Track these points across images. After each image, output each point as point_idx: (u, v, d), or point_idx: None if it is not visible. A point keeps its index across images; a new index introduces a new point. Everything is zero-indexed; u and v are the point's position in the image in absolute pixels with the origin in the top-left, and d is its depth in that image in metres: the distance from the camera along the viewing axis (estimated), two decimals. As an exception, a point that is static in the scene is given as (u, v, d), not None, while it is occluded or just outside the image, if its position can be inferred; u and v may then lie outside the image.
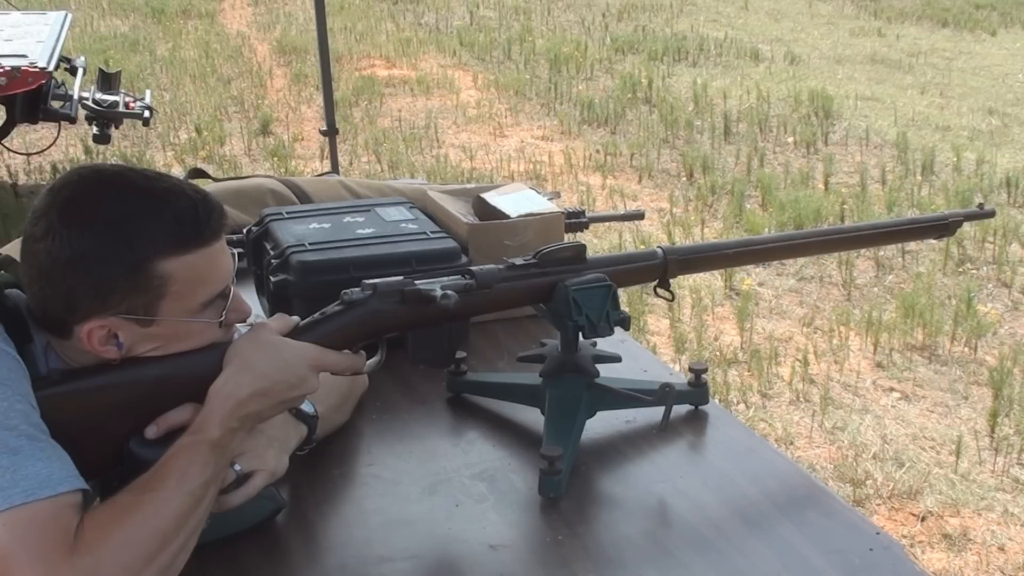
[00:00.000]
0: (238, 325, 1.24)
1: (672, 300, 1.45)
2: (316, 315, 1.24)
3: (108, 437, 1.12)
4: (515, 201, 1.91)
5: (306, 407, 1.29)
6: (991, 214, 1.72)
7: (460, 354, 1.56)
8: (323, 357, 1.19)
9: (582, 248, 1.38)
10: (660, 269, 1.44)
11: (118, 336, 1.12)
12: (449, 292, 1.26)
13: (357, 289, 1.26)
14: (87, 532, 0.98)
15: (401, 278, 1.27)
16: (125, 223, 1.10)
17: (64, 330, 1.12)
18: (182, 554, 1.04)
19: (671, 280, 1.45)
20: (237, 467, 1.17)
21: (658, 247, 1.45)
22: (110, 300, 1.10)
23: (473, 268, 1.32)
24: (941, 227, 1.63)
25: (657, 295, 1.46)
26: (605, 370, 1.43)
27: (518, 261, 1.35)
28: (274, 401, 1.15)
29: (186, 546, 1.05)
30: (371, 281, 1.26)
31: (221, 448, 1.10)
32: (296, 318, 1.24)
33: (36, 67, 4.32)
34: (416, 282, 1.27)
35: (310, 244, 1.70)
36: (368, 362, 1.28)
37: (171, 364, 1.15)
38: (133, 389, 1.14)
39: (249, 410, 1.12)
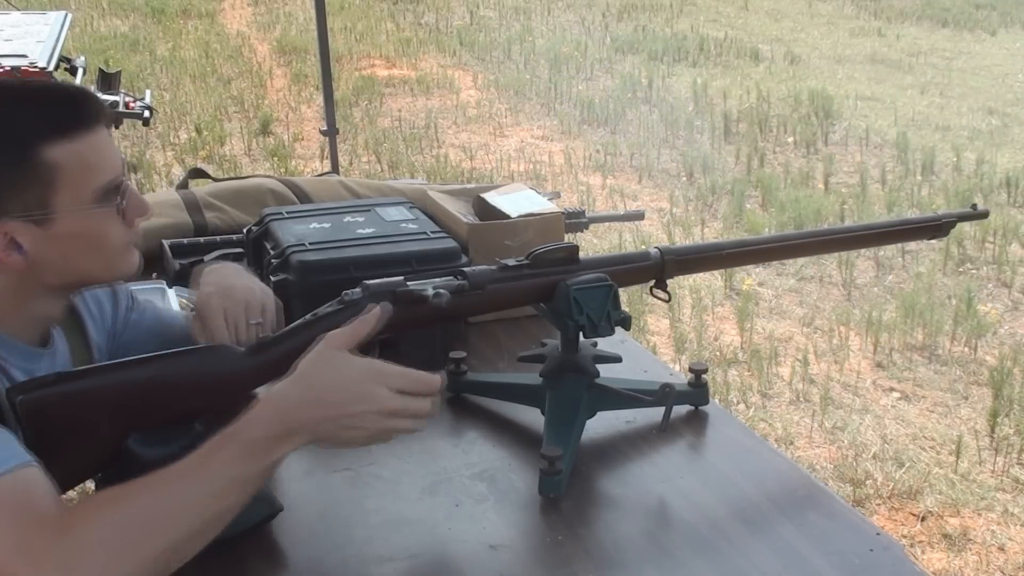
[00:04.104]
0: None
1: (668, 301, 1.45)
2: (308, 316, 1.24)
3: (99, 439, 1.11)
4: (515, 201, 1.91)
5: None
6: (984, 215, 1.72)
7: (460, 354, 1.56)
8: (384, 371, 1.10)
9: (575, 249, 1.38)
10: (656, 269, 1.44)
11: (18, 241, 1.09)
12: (441, 291, 1.25)
13: (358, 290, 1.26)
14: (79, 509, 0.97)
15: (394, 279, 1.27)
16: (3, 118, 1.10)
17: None
18: (184, 549, 1.00)
19: (668, 280, 1.45)
20: None
21: (655, 247, 1.45)
22: (2, 200, 1.08)
23: (466, 269, 1.32)
24: (935, 227, 1.64)
25: (653, 296, 1.45)
26: (605, 370, 1.43)
27: (511, 262, 1.35)
28: (334, 414, 1.07)
29: (192, 542, 1.00)
30: (365, 282, 1.26)
31: (256, 451, 1.03)
32: (371, 320, 1.16)
33: (36, 67, 4.31)
34: (408, 283, 1.27)
35: (310, 244, 1.70)
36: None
37: (160, 365, 1.15)
38: (123, 390, 1.13)
39: (299, 420, 1.05)
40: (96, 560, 0.94)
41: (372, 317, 1.16)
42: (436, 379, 1.12)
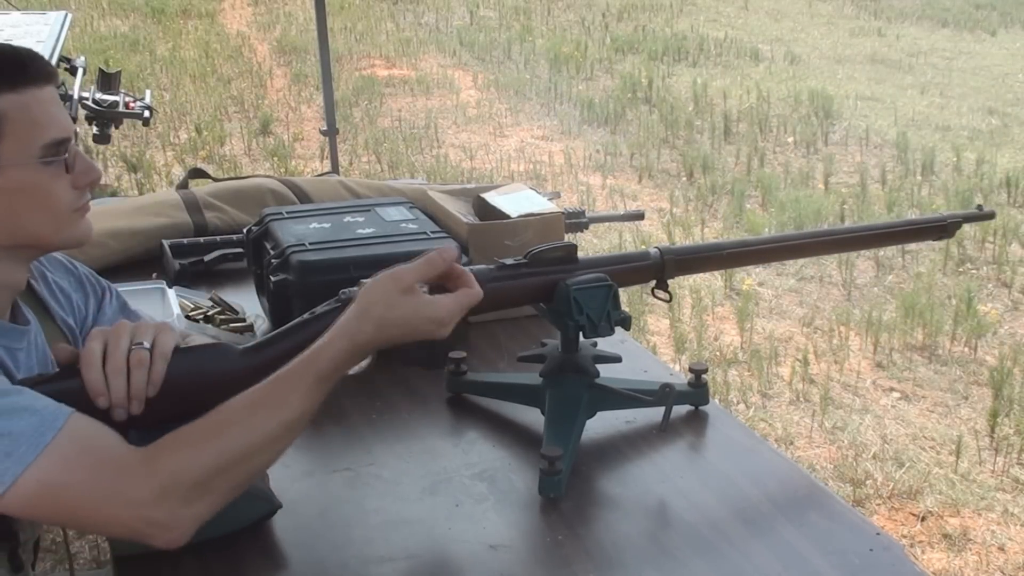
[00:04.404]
0: None
1: (670, 301, 1.45)
2: (306, 315, 1.24)
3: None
4: (515, 201, 1.91)
5: None
6: (991, 216, 1.71)
7: (460, 354, 1.56)
8: (442, 318, 1.17)
9: (573, 248, 1.37)
10: (656, 269, 1.43)
11: None
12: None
13: (356, 288, 1.25)
14: (163, 444, 1.04)
15: None
16: None
17: None
18: (260, 471, 1.12)
19: (669, 281, 1.45)
20: None
21: (655, 247, 1.45)
22: None
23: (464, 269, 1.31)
24: (940, 228, 1.63)
25: (655, 296, 1.45)
26: (605, 370, 1.43)
27: (509, 261, 1.35)
28: (398, 342, 1.16)
29: (267, 464, 1.11)
30: (363, 280, 1.25)
31: (329, 380, 1.12)
32: (438, 262, 1.20)
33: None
34: None
35: (310, 244, 1.70)
36: (358, 364, 1.27)
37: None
38: None
39: (366, 349, 1.15)
40: (186, 491, 1.03)
41: (440, 258, 1.19)
42: (477, 287, 1.21)
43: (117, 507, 1.01)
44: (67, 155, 1.16)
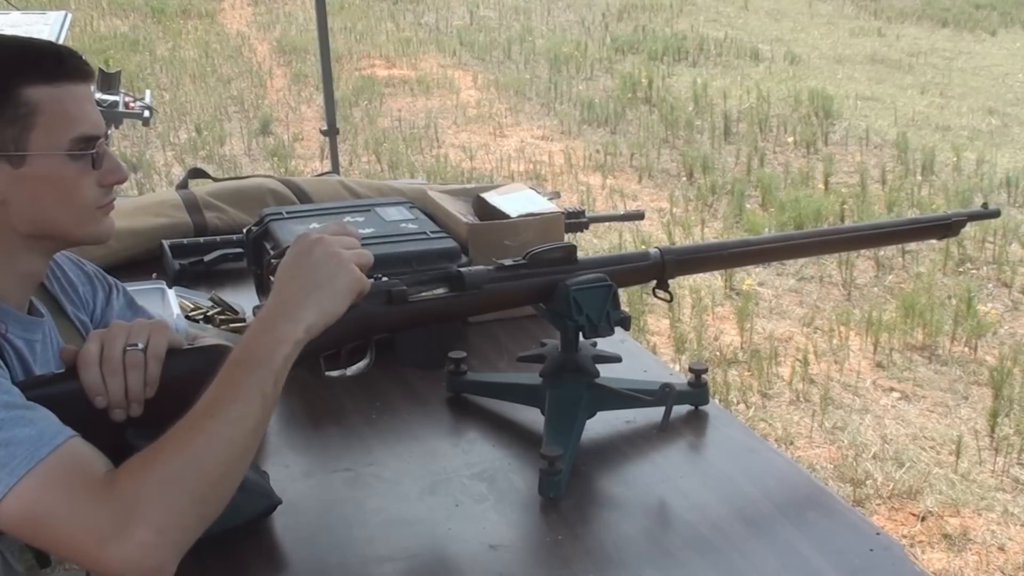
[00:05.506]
0: None
1: (671, 301, 1.45)
2: None
3: (98, 438, 1.11)
4: (515, 201, 1.91)
5: None
6: (995, 214, 1.71)
7: (460, 354, 1.56)
8: (323, 238, 1.16)
9: (572, 248, 1.37)
10: (656, 270, 1.43)
11: None
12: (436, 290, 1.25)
13: None
14: (125, 469, 0.99)
15: (388, 279, 1.27)
16: None
17: None
18: (233, 475, 1.03)
19: (670, 281, 1.45)
20: None
21: (655, 247, 1.45)
22: None
23: (462, 269, 1.32)
24: (944, 227, 1.62)
25: (656, 296, 1.45)
26: (605, 370, 1.43)
27: (507, 262, 1.35)
28: (303, 292, 1.12)
29: (239, 465, 1.03)
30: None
31: (265, 363, 1.07)
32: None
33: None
34: (404, 282, 1.27)
35: (310, 244, 1.69)
36: (356, 365, 1.27)
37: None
38: None
39: (283, 318, 1.10)
40: (149, 513, 0.96)
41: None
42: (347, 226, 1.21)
43: (90, 541, 0.95)
44: (95, 152, 1.17)
